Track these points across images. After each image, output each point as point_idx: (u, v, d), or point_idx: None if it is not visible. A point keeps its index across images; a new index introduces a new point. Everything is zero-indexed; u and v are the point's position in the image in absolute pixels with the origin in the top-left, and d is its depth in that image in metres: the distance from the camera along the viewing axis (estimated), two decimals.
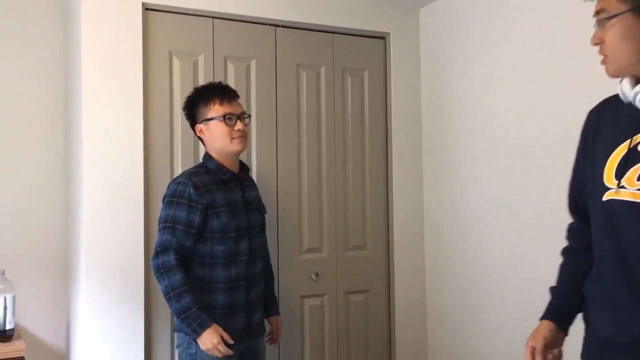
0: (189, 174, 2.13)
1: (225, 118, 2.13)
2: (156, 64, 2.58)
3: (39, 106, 2.80)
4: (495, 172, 2.67)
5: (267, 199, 2.59)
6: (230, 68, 2.73)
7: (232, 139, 2.13)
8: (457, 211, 2.91)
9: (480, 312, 2.76)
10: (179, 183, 2.09)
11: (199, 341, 1.99)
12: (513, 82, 2.58)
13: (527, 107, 2.50)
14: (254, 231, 2.20)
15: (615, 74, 1.33)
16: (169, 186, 2.15)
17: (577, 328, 1.50)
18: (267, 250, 2.40)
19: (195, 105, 2.19)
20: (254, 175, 2.73)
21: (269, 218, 2.62)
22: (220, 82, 2.27)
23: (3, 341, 2.33)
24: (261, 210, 2.30)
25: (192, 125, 2.22)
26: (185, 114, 2.26)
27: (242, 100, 2.28)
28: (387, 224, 3.08)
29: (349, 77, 3.01)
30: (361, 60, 3.03)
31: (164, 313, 2.51)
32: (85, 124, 2.44)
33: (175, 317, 2.04)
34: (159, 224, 2.08)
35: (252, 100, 2.77)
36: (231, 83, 2.60)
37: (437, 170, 3.04)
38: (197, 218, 2.05)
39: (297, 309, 2.85)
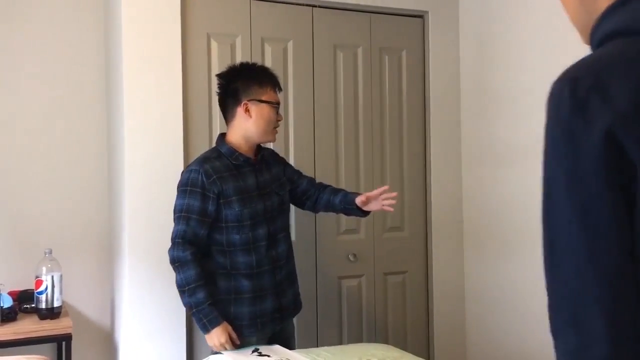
0: (201, 161, 2.09)
1: (277, 107, 2.15)
2: (195, 46, 2.60)
3: (81, 91, 2.84)
4: (541, 151, 2.60)
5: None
6: (268, 50, 2.74)
7: (274, 127, 2.15)
8: (499, 191, 2.85)
9: (524, 298, 2.69)
10: (191, 171, 2.06)
11: (207, 337, 2.02)
12: (559, 61, 2.33)
13: None
14: (272, 215, 2.15)
15: (585, 41, 1.03)
16: (182, 174, 2.12)
17: None
18: (316, 184, 2.34)
19: (245, 81, 2.11)
20: (291, 159, 2.72)
21: None
22: (268, 68, 2.23)
23: (52, 318, 2.43)
24: (279, 190, 2.21)
25: (232, 99, 2.12)
26: (223, 84, 2.15)
27: (279, 81, 2.26)
28: (425, 205, 3.07)
29: (387, 57, 2.99)
30: (399, 40, 3.01)
31: None
32: (126, 108, 2.47)
33: (187, 310, 2.04)
34: (174, 214, 2.06)
35: (290, 82, 2.78)
36: (268, 64, 2.56)
37: (477, 150, 3.00)
38: (210, 206, 2.03)
39: (335, 289, 2.86)
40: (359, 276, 2.94)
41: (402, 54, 3.05)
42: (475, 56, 3.03)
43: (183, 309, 2.46)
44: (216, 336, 1.99)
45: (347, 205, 2.26)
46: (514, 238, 2.78)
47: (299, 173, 2.40)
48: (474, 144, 3.04)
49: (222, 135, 2.20)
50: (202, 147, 2.58)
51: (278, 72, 2.30)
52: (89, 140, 2.87)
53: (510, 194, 2.80)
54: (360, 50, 2.95)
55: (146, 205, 2.50)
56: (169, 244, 2.39)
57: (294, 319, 2.35)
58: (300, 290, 2.38)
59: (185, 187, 2.05)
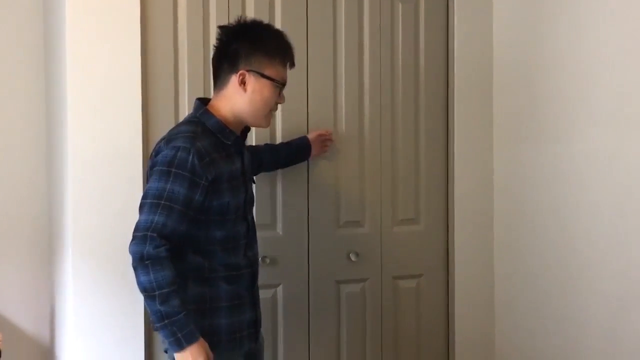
0: (190, 136, 1.97)
1: (282, 87, 2.08)
2: None
3: (11, 51, 2.76)
4: (588, 131, 2.56)
5: None
6: None
7: (270, 110, 2.09)
8: (538, 178, 2.79)
9: (567, 308, 2.65)
10: (178, 148, 1.94)
11: (178, 356, 1.89)
12: (616, 24, 2.41)
13: (633, 52, 2.36)
14: (249, 207, 2.14)
15: None
16: (158, 149, 2.00)
17: None
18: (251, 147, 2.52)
19: (249, 44, 2.04)
20: (278, 130, 2.68)
21: (297, 184, 2.67)
22: (284, 34, 2.16)
23: None
24: (252, 176, 2.25)
25: (228, 63, 2.06)
26: (222, 40, 2.08)
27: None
28: (447, 193, 2.99)
29: (400, 5, 2.87)
30: None
31: None
32: (69, 75, 2.40)
33: (153, 320, 1.90)
34: (146, 199, 1.93)
35: None
36: (250, 13, 2.53)
37: (512, 127, 2.93)
38: (197, 197, 1.93)
39: (332, 296, 2.78)
40: (363, 280, 2.87)
41: (420, 1, 2.93)
42: (514, 8, 2.93)
43: (140, 320, 2.44)
44: (192, 356, 1.89)
45: (297, 150, 2.58)
46: (557, 234, 2.71)
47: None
48: (510, 116, 2.96)
49: (203, 103, 2.09)
50: (166, 124, 2.47)
51: None
52: (20, 112, 2.80)
53: (553, 179, 2.73)
54: None
55: (95, 192, 2.44)
56: (124, 239, 2.30)
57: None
58: (290, 296, 2.48)
59: (168, 167, 1.93)
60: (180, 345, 1.87)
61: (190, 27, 2.54)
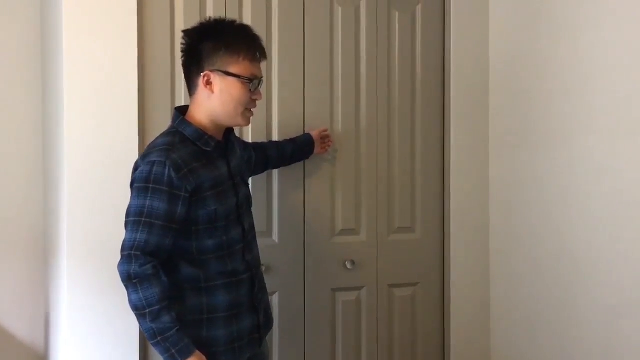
0: (164, 149, 1.93)
1: (252, 82, 1.99)
2: None
3: (9, 50, 2.76)
4: (585, 136, 2.54)
5: (291, 168, 2.62)
6: (247, 2, 2.62)
7: (245, 109, 2.02)
8: (534, 186, 2.78)
9: (566, 318, 2.64)
10: (153, 163, 1.90)
11: None
12: (614, 22, 2.40)
13: (630, 56, 2.34)
14: (243, 210, 2.10)
15: None
16: (136, 166, 1.96)
17: None
18: (256, 145, 2.57)
19: (211, 43, 1.98)
20: (274, 136, 2.68)
21: (293, 192, 2.66)
22: (248, 27, 2.08)
23: None
24: (245, 178, 2.20)
25: (195, 66, 2.01)
26: (187, 43, 2.03)
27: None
28: (443, 202, 2.99)
29: (397, 14, 2.87)
30: None
31: None
32: (66, 73, 2.39)
33: (147, 338, 1.91)
34: (128, 217, 1.91)
35: (274, 43, 2.67)
36: (247, 20, 2.52)
37: (509, 134, 2.91)
38: (179, 209, 1.90)
39: (327, 305, 2.76)
40: (358, 288, 2.86)
41: (417, 9, 2.94)
42: (510, 14, 2.92)
43: (135, 326, 2.41)
44: None
45: (302, 147, 2.61)
46: (553, 242, 2.70)
47: (249, 146, 2.43)
48: (506, 124, 2.95)
49: (180, 112, 2.05)
50: (162, 121, 2.50)
51: (259, 31, 2.16)
52: (16, 117, 2.79)
53: (550, 187, 2.72)
54: (363, 4, 2.83)
55: (90, 198, 2.42)
56: (119, 245, 2.33)
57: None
58: (285, 305, 2.48)
59: (145, 183, 1.90)
60: (175, 359, 1.88)
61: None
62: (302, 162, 2.70)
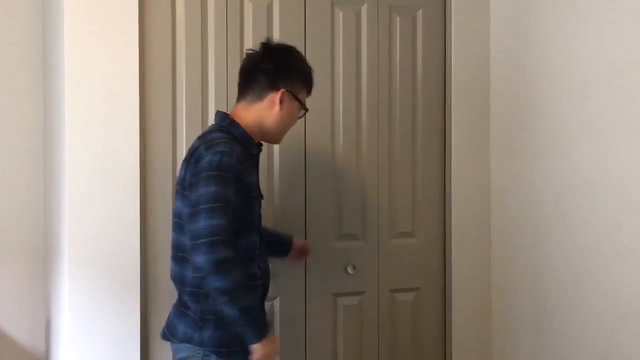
0: (228, 142, 1.99)
1: (304, 113, 2.21)
2: (155, 2, 2.52)
3: (9, 54, 2.77)
4: (587, 142, 2.54)
5: (293, 173, 2.65)
6: (248, 5, 2.62)
7: (286, 131, 2.20)
8: (535, 191, 2.77)
9: (568, 324, 2.62)
10: (222, 153, 1.95)
11: (256, 347, 1.96)
12: (613, 29, 2.40)
13: (630, 61, 2.34)
14: (260, 219, 2.18)
15: None
16: (198, 155, 1.99)
17: None
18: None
19: (291, 68, 2.14)
20: (275, 146, 2.69)
21: (295, 197, 2.68)
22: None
23: None
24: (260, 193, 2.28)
25: (270, 78, 2.10)
26: (262, 55, 2.12)
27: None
28: (444, 206, 2.98)
29: (398, 18, 2.88)
30: None
31: (165, 307, 2.40)
32: (67, 85, 2.40)
33: (234, 321, 1.96)
34: (199, 205, 1.92)
35: None
36: (248, 24, 2.61)
37: (510, 139, 2.90)
38: (241, 200, 1.98)
39: (328, 309, 2.76)
40: (360, 293, 2.86)
41: (418, 14, 2.93)
42: (509, 19, 2.91)
43: (136, 331, 2.44)
44: (270, 346, 2.00)
45: (278, 241, 2.48)
46: (554, 247, 2.69)
47: None
48: (507, 129, 2.94)
49: (226, 115, 2.13)
50: (163, 124, 2.54)
51: (258, 35, 2.32)
52: (18, 120, 2.78)
53: (551, 192, 2.71)
54: (364, 9, 2.84)
55: (91, 202, 2.42)
56: (120, 249, 2.48)
57: None
58: (287, 309, 2.52)
59: (216, 171, 1.94)
60: (262, 335, 1.95)
61: (189, 37, 2.56)
62: (304, 166, 2.71)
